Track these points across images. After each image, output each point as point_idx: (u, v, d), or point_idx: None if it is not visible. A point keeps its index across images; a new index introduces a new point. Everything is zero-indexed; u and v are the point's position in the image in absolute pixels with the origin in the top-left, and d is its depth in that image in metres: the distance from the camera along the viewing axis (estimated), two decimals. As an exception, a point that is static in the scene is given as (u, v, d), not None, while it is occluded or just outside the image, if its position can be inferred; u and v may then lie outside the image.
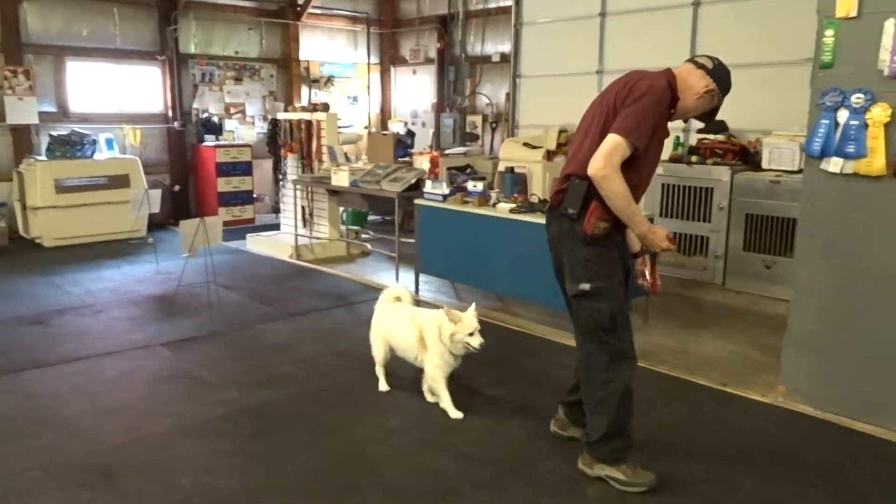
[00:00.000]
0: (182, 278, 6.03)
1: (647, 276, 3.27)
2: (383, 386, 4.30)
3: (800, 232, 4.17)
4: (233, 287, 6.70)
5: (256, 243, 8.66)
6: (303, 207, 8.38)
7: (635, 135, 2.90)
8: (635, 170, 3.01)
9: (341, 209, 8.50)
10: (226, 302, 6.15)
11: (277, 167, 9.01)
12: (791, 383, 4.18)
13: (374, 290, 6.70)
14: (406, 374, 4.85)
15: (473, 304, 3.89)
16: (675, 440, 3.75)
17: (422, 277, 6.60)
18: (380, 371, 4.33)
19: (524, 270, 5.51)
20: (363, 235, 9.07)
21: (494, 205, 5.85)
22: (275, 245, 8.41)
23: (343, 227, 8.62)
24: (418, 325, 3.98)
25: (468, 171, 8.42)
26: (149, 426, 3.85)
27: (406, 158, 9.97)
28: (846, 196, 3.88)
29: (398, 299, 4.37)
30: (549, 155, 7.95)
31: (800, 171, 5.35)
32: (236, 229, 9.37)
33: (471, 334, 3.75)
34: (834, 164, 3.85)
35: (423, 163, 8.79)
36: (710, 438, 3.78)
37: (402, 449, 3.65)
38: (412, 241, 6.65)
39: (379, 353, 4.30)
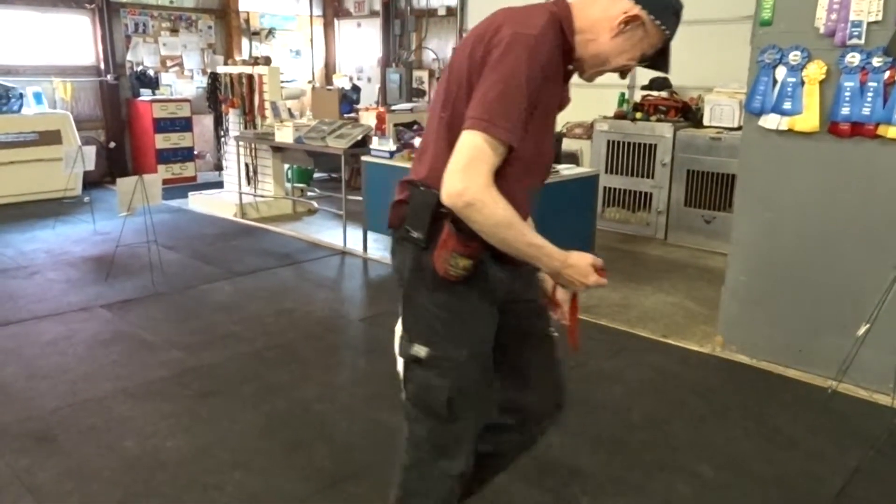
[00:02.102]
0: (121, 238, 5.85)
1: (565, 315, 2.19)
2: None
3: (738, 187, 4.28)
4: (175, 247, 6.54)
5: (199, 202, 8.44)
6: (246, 165, 8.18)
7: (503, 124, 1.78)
8: (518, 170, 1.90)
9: (286, 166, 8.33)
10: (168, 262, 6.01)
11: (219, 123, 8.74)
12: (728, 333, 4.34)
13: (321, 249, 6.65)
14: (354, 332, 4.85)
15: None
16: (615, 391, 3.86)
17: (370, 235, 6.55)
18: None
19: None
20: (309, 193, 8.93)
21: (441, 161, 5.81)
22: (218, 203, 8.21)
23: (288, 185, 8.47)
24: None
25: (415, 127, 8.31)
26: (89, 389, 3.77)
27: (351, 114, 9.80)
28: (781, 152, 3.99)
29: None
30: (496, 111, 7.89)
31: (740, 128, 5.46)
32: (177, 188, 9.10)
33: None
34: (771, 121, 3.94)
35: (369, 119, 8.66)
36: (649, 388, 3.91)
37: (349, 406, 3.66)
38: (359, 198, 6.58)
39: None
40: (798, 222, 4.01)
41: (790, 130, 3.89)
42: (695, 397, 3.81)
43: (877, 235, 3.77)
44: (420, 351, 2.03)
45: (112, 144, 9.80)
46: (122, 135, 9.93)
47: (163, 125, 9.56)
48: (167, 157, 9.67)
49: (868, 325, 3.66)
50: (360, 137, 6.71)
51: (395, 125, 8.43)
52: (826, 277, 3.94)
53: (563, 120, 8.21)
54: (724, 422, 3.54)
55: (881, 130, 3.62)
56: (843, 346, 3.80)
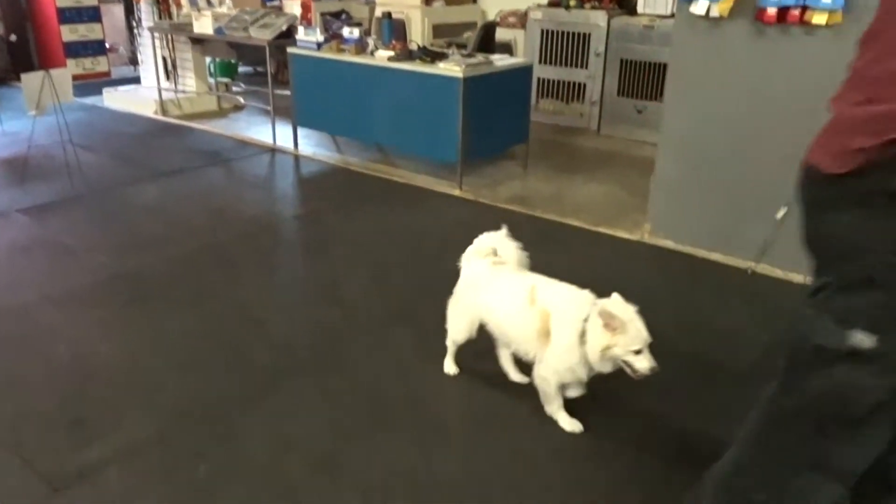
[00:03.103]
0: (32, 139, 5.50)
1: None
2: (451, 368, 3.00)
3: (668, 76, 4.28)
4: (92, 147, 6.20)
5: (115, 99, 7.97)
6: (164, 58, 7.70)
7: None
8: None
9: (208, 60, 7.88)
10: (86, 163, 5.71)
11: (130, 13, 8.13)
12: (656, 221, 4.47)
13: (250, 147, 6.42)
14: (288, 231, 4.79)
15: (617, 298, 2.49)
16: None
17: (300, 132, 6.36)
18: (452, 352, 3.00)
19: (404, 121, 5.41)
20: (234, 88, 8.53)
21: (372, 53, 5.60)
22: (136, 100, 7.77)
23: (212, 80, 8.05)
24: (543, 312, 2.57)
25: (343, 16, 7.94)
26: (11, 299, 3.63)
27: (275, 3, 9.25)
28: (711, 40, 3.98)
29: (495, 254, 2.90)
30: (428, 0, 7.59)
31: (673, 16, 5.40)
32: (90, 84, 8.53)
33: (637, 352, 2.39)
34: (700, 6, 3.90)
35: (293, 7, 8.19)
36: (580, 274, 4.01)
37: (287, 305, 3.66)
38: (287, 93, 6.33)
39: (460, 333, 2.89)
40: (726, 111, 4.06)
41: (720, 17, 3.87)
42: (624, 283, 3.94)
43: (801, 123, 3.86)
44: (864, 341, 1.50)
45: (13, 38, 9.03)
46: (24, 27, 9.13)
47: (68, 15, 8.82)
48: (76, 50, 8.99)
49: (786, 208, 3.82)
50: (284, 28, 6.36)
51: (322, 14, 8.02)
52: (750, 165, 4.05)
53: (495, 8, 7.97)
54: (652, 304, 3.69)
55: (808, 16, 3.63)
56: (763, 230, 3.97)
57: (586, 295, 2.54)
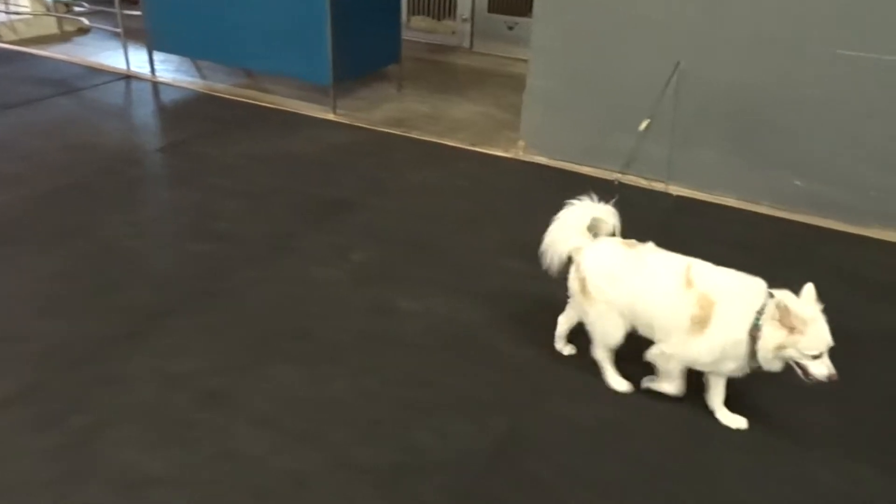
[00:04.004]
0: None
1: None
2: (622, 386, 2.56)
3: (537, -9, 4.32)
4: (-85, 79, 5.52)
5: (-65, 23, 7.05)
6: (-10, -25, 6.85)
7: None
8: None
9: (42, -24, 7.09)
10: None
11: (-58, -79, 7.12)
12: (529, 138, 4.59)
13: (102, 73, 5.94)
14: (153, 164, 4.55)
15: (811, 289, 2.17)
16: (427, 199, 4.02)
17: (157, 56, 5.92)
18: (611, 363, 2.58)
19: (271, 41, 5.16)
20: (77, 8, 7.75)
21: (230, -33, 5.24)
22: (-39, 24, 6.91)
23: (49, 0, 7.27)
24: (704, 298, 2.25)
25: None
26: None
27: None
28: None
29: (612, 235, 2.57)
30: None
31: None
32: None
33: (815, 356, 2.13)
34: (567, -80, 3.92)
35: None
36: (458, 192, 4.12)
37: (160, 240, 3.51)
38: (138, 13, 5.84)
39: (614, 337, 2.49)
40: (592, 26, 4.17)
41: (585, -70, 3.92)
42: (503, 199, 4.08)
43: (664, 34, 4.03)
44: None
45: None
46: None
47: None
48: None
49: (648, 121, 4.03)
50: (129, -61, 5.80)
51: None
52: (616, 79, 4.21)
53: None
54: (530, 218, 3.83)
55: (665, -70, 3.74)
56: (628, 142, 4.18)
57: (759, 283, 2.24)
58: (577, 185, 4.23)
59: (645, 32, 4.04)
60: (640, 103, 4.12)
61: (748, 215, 3.95)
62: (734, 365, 2.26)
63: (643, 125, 4.09)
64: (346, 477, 2.17)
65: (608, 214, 2.54)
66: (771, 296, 2.16)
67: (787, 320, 2.09)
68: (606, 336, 2.49)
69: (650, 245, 2.45)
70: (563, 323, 2.70)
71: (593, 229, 2.53)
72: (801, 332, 2.09)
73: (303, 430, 2.35)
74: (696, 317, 2.24)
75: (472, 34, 6.99)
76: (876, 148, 3.71)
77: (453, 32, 7.05)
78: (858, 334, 2.87)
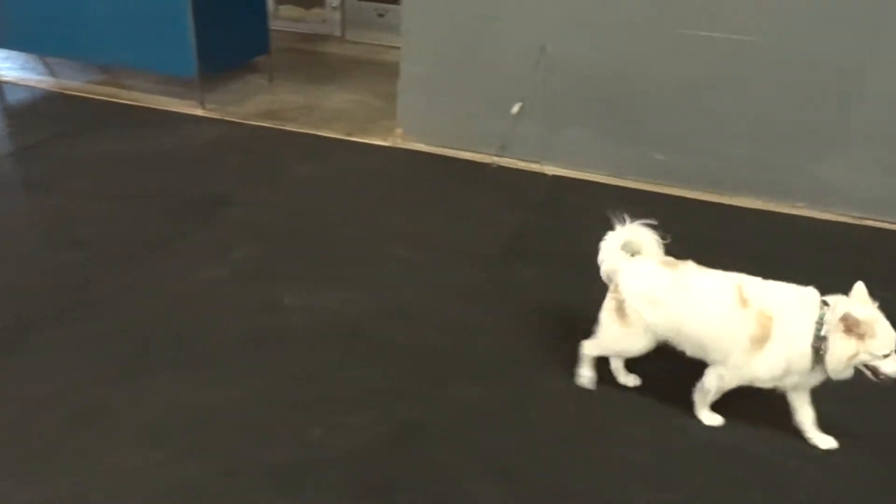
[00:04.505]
0: None
1: None
2: (590, 384, 2.55)
3: (404, -22, 4.31)
4: None
5: None
6: None
7: None
8: None
9: None
10: None
11: None
12: (406, 125, 4.60)
13: (-66, 74, 5.38)
14: (4, 170, 4.20)
15: (862, 288, 2.16)
16: (306, 192, 3.94)
17: (0, 52, 5.44)
18: (593, 364, 2.55)
19: (130, 32, 4.85)
20: None
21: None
22: None
23: None
24: (762, 316, 2.21)
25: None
26: None
27: None
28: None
29: (630, 247, 2.47)
30: None
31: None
32: None
33: (886, 356, 2.12)
34: None
35: None
36: (338, 183, 4.07)
37: (18, 253, 3.24)
38: (-27, 6, 5.32)
39: (632, 352, 2.46)
40: (462, 10, 4.22)
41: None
42: (384, 188, 4.06)
43: (530, 18, 4.14)
44: None
45: None
46: None
47: None
48: None
49: (520, 104, 4.14)
50: (-45, -75, 5.27)
51: None
52: (488, 63, 4.29)
53: None
54: (413, 206, 3.86)
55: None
56: (503, 125, 4.28)
57: (812, 292, 2.21)
58: (457, 171, 4.33)
59: (513, 17, 4.13)
60: (512, 87, 4.22)
61: (618, 190, 4.15)
62: (798, 379, 2.23)
63: (515, 108, 4.20)
64: (245, 483, 2.11)
65: (641, 233, 2.44)
66: (825, 303, 2.16)
67: (856, 330, 2.07)
68: (624, 352, 2.46)
69: (691, 264, 2.36)
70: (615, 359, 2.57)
71: (629, 247, 2.44)
72: (872, 336, 2.07)
73: (192, 440, 2.25)
74: (755, 336, 2.20)
75: (343, 22, 6.88)
76: (726, 121, 3.99)
77: (324, 21, 6.91)
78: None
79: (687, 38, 3.88)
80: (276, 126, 4.74)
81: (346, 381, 2.54)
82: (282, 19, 6.91)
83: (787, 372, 2.20)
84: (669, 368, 2.44)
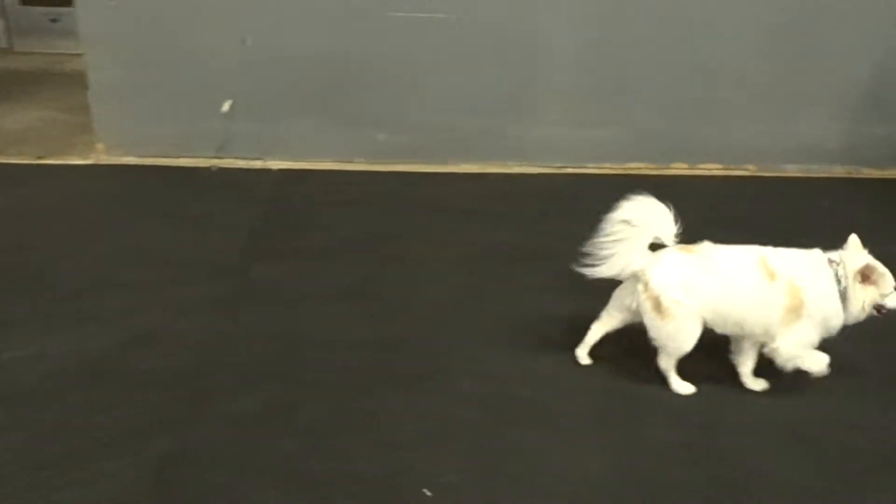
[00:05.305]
0: None
1: None
2: (688, 390, 2.44)
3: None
4: None
5: None
6: None
7: None
8: None
9: None
10: None
11: None
12: (108, 139, 4.17)
13: None
14: None
15: (856, 239, 2.37)
16: (5, 229, 3.41)
17: None
18: (675, 370, 2.45)
19: None
20: None
21: None
22: None
23: None
24: (792, 287, 2.30)
25: None
26: None
27: None
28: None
29: (678, 243, 2.37)
30: None
31: None
32: None
33: (887, 294, 2.35)
34: None
35: None
36: (39, 213, 3.58)
37: None
38: None
39: (690, 343, 2.37)
40: (148, 6, 3.91)
41: None
42: (96, 211, 3.65)
43: (228, 12, 3.96)
44: None
45: None
46: None
47: None
48: None
49: (230, 101, 3.98)
50: None
51: None
52: (188, 62, 4.05)
53: None
54: (134, 224, 3.51)
55: None
56: (217, 125, 4.08)
57: (819, 254, 2.36)
58: (175, 180, 4.03)
59: (209, 10, 3.94)
60: (220, 84, 4.04)
61: (347, 175, 4.20)
62: (836, 331, 2.36)
63: (226, 106, 4.03)
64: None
65: (668, 224, 2.36)
66: (830, 260, 2.33)
67: (874, 277, 2.29)
68: (682, 346, 2.39)
69: (707, 244, 2.39)
70: (597, 331, 2.54)
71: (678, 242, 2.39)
72: (882, 280, 2.31)
73: None
74: (789, 306, 2.30)
75: (8, 31, 6.03)
76: (437, 95, 4.23)
77: (-18, 32, 5.99)
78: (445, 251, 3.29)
79: (392, 20, 4.04)
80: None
81: (96, 425, 2.25)
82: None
83: (827, 330, 2.34)
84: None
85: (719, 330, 2.39)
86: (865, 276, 2.29)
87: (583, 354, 2.55)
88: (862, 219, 3.63)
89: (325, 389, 2.45)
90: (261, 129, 4.17)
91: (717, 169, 4.36)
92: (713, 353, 2.49)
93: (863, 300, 2.30)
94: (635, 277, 2.34)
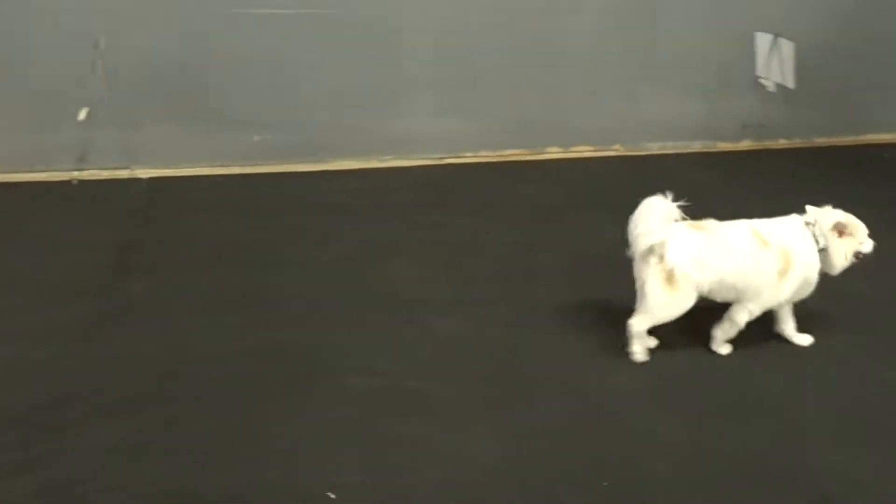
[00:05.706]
0: None
1: None
2: (642, 356, 2.61)
3: None
4: None
5: None
6: None
7: None
8: None
9: None
10: None
11: None
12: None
13: None
14: None
15: (811, 209, 2.63)
16: None
17: None
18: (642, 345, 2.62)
19: None
20: None
21: None
22: None
23: None
24: (783, 251, 2.55)
25: None
26: None
27: None
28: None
29: (681, 220, 2.51)
30: None
31: None
32: None
33: (862, 242, 2.65)
34: None
35: None
36: None
37: None
38: None
39: (676, 316, 2.57)
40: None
41: None
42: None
43: (79, 14, 3.72)
44: None
45: None
46: None
47: None
48: None
49: (87, 109, 3.74)
50: None
51: None
52: (36, 69, 3.78)
53: None
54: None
55: None
56: (76, 135, 3.83)
57: (798, 218, 2.63)
58: (31, 197, 3.73)
59: (58, 11, 3.69)
60: (74, 91, 3.79)
61: (220, 179, 4.04)
62: (812, 289, 2.65)
63: (82, 114, 3.79)
64: None
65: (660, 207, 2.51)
66: (806, 223, 2.60)
67: (849, 229, 2.59)
68: (672, 315, 2.56)
69: (711, 221, 2.59)
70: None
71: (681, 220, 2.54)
72: (856, 229, 2.61)
73: None
74: (781, 270, 2.56)
75: None
76: (310, 92, 4.15)
77: None
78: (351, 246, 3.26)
79: (259, 18, 3.92)
80: None
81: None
82: None
83: (804, 286, 2.63)
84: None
85: (717, 298, 2.60)
86: (840, 230, 2.58)
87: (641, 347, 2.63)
88: (719, 188, 3.91)
89: (209, 404, 2.36)
90: (125, 137, 3.95)
91: (589, 150, 4.53)
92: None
93: (844, 251, 2.61)
94: (650, 250, 2.48)
